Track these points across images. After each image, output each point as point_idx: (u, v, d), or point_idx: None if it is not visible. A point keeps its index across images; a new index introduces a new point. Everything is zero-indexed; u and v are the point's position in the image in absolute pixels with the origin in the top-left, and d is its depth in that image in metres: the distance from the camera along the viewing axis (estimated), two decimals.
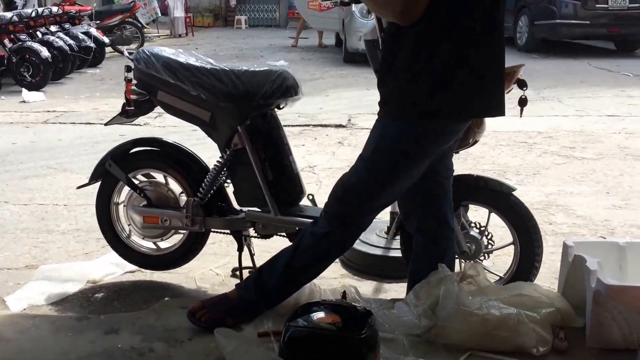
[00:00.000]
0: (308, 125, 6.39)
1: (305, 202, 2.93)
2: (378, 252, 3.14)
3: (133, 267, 3.10)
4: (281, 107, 2.80)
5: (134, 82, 2.80)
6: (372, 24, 2.51)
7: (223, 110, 2.67)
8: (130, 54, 2.82)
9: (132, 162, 2.94)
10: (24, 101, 7.70)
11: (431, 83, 2.02)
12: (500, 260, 2.98)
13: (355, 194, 2.26)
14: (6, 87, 8.50)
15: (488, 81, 2.09)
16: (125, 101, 2.82)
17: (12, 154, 5.33)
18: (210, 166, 2.84)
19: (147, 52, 2.72)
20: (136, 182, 2.94)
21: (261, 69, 2.71)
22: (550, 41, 11.84)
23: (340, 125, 6.36)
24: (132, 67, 2.78)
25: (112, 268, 3.11)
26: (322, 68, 10.66)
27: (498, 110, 2.15)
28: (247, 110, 2.65)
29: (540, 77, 8.90)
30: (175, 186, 2.94)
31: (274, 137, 2.79)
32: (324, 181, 4.53)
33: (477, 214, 2.81)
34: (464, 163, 4.84)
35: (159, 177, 2.99)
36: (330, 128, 6.30)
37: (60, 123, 6.59)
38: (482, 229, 2.73)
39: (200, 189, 2.79)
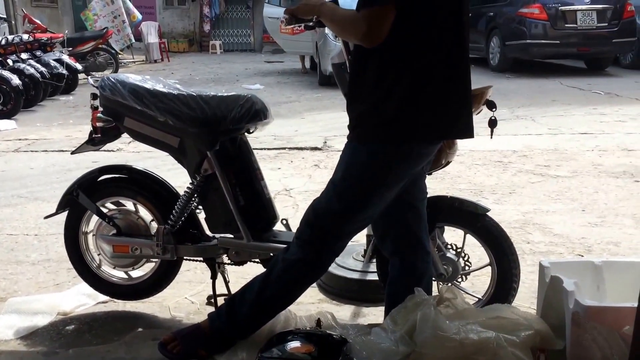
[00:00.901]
0: (284, 148, 6.36)
1: (279, 227, 2.88)
2: (355, 275, 3.10)
3: (105, 298, 3.02)
4: (251, 131, 2.77)
5: (100, 109, 2.74)
6: (339, 47, 2.48)
7: (191, 135, 2.62)
8: (95, 81, 2.76)
9: (100, 190, 2.87)
10: None
11: (397, 106, 2.00)
12: (479, 281, 2.95)
13: (327, 219, 2.22)
14: None
15: (455, 103, 2.07)
16: (91, 129, 2.77)
17: None
18: (181, 192, 2.78)
19: (113, 79, 2.67)
20: (105, 210, 2.87)
21: (229, 93, 2.67)
22: (523, 61, 12.04)
23: (316, 148, 6.34)
24: (98, 94, 2.72)
25: (84, 299, 3.04)
26: (298, 91, 10.68)
27: (466, 132, 2.14)
28: (216, 135, 2.61)
29: (514, 96, 9.01)
30: (145, 214, 2.88)
31: (245, 161, 2.75)
32: (300, 204, 4.48)
33: (453, 235, 2.77)
34: (441, 182, 4.85)
35: (129, 204, 2.92)
36: (306, 151, 6.27)
37: (32, 151, 6.49)
38: (459, 250, 2.69)
39: (171, 216, 2.73)
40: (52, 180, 5.26)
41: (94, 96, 2.75)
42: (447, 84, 2.04)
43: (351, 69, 2.21)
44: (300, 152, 6.24)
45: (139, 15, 15.19)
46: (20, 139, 7.08)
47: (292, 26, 2.41)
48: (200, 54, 19.58)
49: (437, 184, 4.71)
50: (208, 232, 2.82)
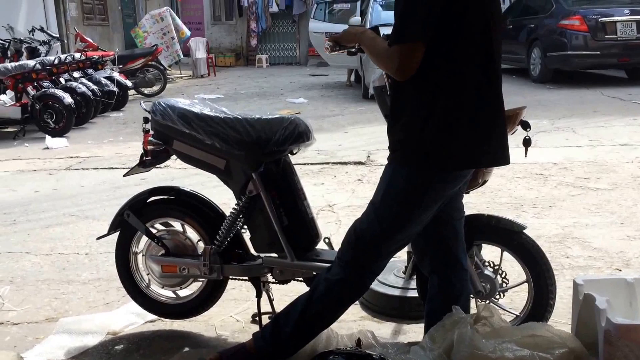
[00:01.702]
0: (327, 163, 6.40)
1: (322, 245, 2.92)
2: (396, 292, 3.13)
3: (153, 317, 3.11)
4: (294, 152, 2.82)
5: (151, 132, 2.84)
6: (380, 70, 2.53)
7: (237, 157, 2.70)
8: (147, 105, 2.87)
9: (150, 211, 2.97)
10: (47, 148, 7.81)
11: (433, 134, 2.07)
12: (519, 297, 2.95)
13: (367, 240, 2.27)
14: (30, 133, 8.65)
15: (489, 130, 2.12)
16: (143, 152, 2.87)
17: (34, 203, 5.40)
18: (227, 212, 2.85)
19: (163, 104, 2.77)
20: (154, 231, 2.96)
21: (274, 116, 2.73)
22: (563, 71, 11.98)
23: (360, 162, 6.36)
24: (149, 118, 2.82)
25: (133, 318, 3.13)
26: (342, 104, 10.72)
27: (501, 159, 2.19)
28: (261, 157, 2.68)
29: (555, 108, 8.93)
30: (192, 234, 2.96)
31: (288, 182, 2.80)
32: (343, 220, 4.52)
33: (491, 252, 2.79)
34: (481, 197, 4.84)
35: (177, 225, 3.01)
36: (349, 165, 6.30)
37: (83, 169, 6.66)
38: (496, 267, 2.72)
39: (217, 236, 2.81)
40: (103, 198, 5.42)
41: (145, 120, 2.86)
42: (482, 112, 2.09)
43: (391, 93, 2.26)
44: (343, 166, 6.27)
45: (187, 32, 15.45)
46: (71, 157, 7.27)
47: (335, 52, 2.48)
48: (246, 68, 19.80)
49: (477, 198, 4.71)
50: (253, 252, 2.88)
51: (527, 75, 12.45)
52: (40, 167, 6.81)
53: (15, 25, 11.01)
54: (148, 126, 2.85)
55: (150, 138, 2.83)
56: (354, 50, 2.44)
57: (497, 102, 2.16)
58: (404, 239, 2.30)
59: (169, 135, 2.78)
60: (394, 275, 3.26)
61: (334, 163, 6.42)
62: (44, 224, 4.79)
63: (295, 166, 6.06)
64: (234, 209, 2.77)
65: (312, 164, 6.34)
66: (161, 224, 3.02)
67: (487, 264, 2.73)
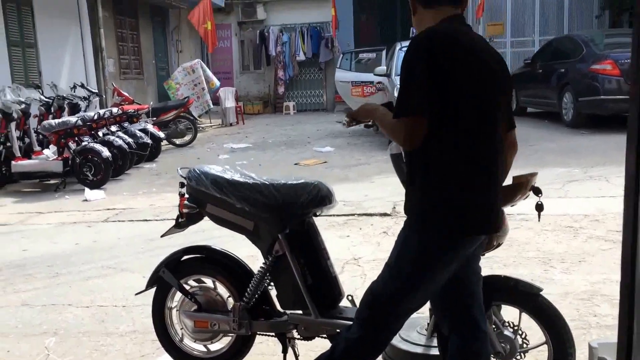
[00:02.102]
0: (353, 215, 6.51)
1: (345, 303, 3.10)
2: (419, 350, 3.18)
3: None
4: (317, 214, 3.04)
5: (186, 196, 3.09)
6: None
7: (264, 220, 2.93)
8: (183, 171, 3.13)
9: (184, 269, 3.20)
10: (86, 200, 8.14)
11: (448, 199, 2.23)
12: (543, 356, 2.97)
13: (383, 300, 2.42)
14: (70, 186, 9.00)
15: (493, 199, 2.31)
16: (178, 214, 3.12)
17: (75, 255, 5.68)
18: (255, 270, 3.07)
19: (198, 171, 3.03)
20: (187, 287, 3.19)
21: (298, 181, 2.96)
22: (597, 116, 11.81)
23: (385, 214, 6.44)
24: (185, 183, 3.08)
25: None
26: (368, 153, 10.83)
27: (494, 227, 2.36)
28: (286, 219, 2.90)
29: (588, 155, 8.81)
30: (223, 290, 3.17)
31: (312, 243, 3.01)
32: (368, 274, 4.62)
33: (512, 312, 2.87)
34: (508, 250, 4.87)
35: (209, 282, 3.23)
36: (375, 217, 6.39)
37: (119, 221, 6.94)
38: (516, 328, 2.82)
39: (246, 293, 3.01)
40: (138, 250, 5.67)
41: (181, 185, 3.11)
42: (491, 177, 2.28)
43: (406, 158, 2.44)
44: (369, 218, 6.37)
45: (217, 83, 15.93)
46: (108, 209, 7.56)
47: (352, 127, 2.71)
48: (274, 115, 20.16)
49: (504, 252, 4.74)
50: (279, 308, 3.08)
51: (559, 120, 12.35)
52: (79, 220, 7.12)
53: (59, 82, 11.53)
54: (184, 190, 3.10)
55: (185, 202, 3.08)
56: (369, 124, 2.68)
57: (501, 173, 2.35)
58: (419, 299, 2.44)
59: (202, 199, 3.03)
60: (417, 332, 3.32)
61: (359, 214, 6.52)
62: (84, 276, 5.04)
63: (321, 217, 6.23)
64: (261, 267, 2.99)
65: (337, 215, 6.46)
66: (194, 280, 3.24)
67: (506, 324, 2.82)
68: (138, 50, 16.54)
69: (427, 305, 2.84)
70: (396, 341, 3.24)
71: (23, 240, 6.35)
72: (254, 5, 20.35)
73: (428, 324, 3.30)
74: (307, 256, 2.95)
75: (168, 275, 3.15)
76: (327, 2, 19.46)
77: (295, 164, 10.14)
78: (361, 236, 5.76)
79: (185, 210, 3.08)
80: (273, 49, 20.15)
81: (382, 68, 12.16)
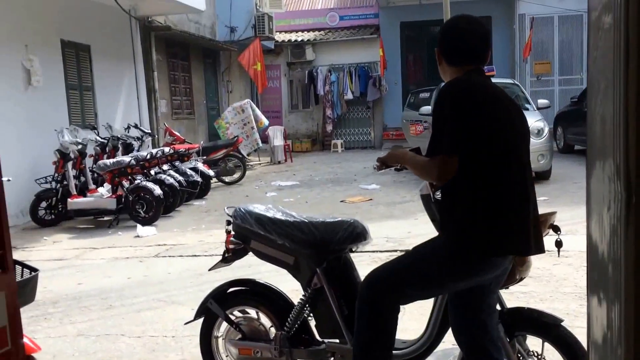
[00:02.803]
0: (395, 251, 6.61)
1: None
2: None
3: None
4: (354, 250, 3.23)
5: (232, 233, 3.33)
6: (425, 183, 2.95)
7: (304, 255, 3.14)
8: (230, 210, 3.37)
9: (230, 300, 3.42)
10: (138, 236, 8.48)
11: (478, 224, 2.49)
12: None
13: (383, 286, 2.71)
14: (123, 222, 9.39)
15: (523, 222, 2.54)
16: (225, 249, 3.36)
17: (127, 288, 5.97)
18: (296, 302, 3.27)
19: (243, 210, 3.28)
20: (233, 317, 3.40)
21: (335, 219, 3.17)
22: None
23: None
24: (231, 221, 3.32)
25: None
26: (413, 190, 10.85)
27: (537, 249, 2.59)
28: (324, 254, 3.11)
29: None
30: (265, 320, 3.37)
31: (348, 276, 3.21)
32: (407, 308, 4.67)
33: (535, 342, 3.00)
34: (546, 285, 4.97)
35: (252, 312, 3.43)
36: None
37: (169, 256, 7.23)
38: (539, 357, 2.95)
39: (287, 323, 3.21)
40: (187, 284, 5.92)
41: (228, 223, 3.35)
42: (516, 206, 2.52)
43: (441, 191, 2.67)
44: None
45: (265, 122, 16.34)
46: (159, 245, 7.87)
47: (382, 170, 2.92)
48: (322, 152, 20.43)
49: (542, 287, 4.85)
50: (318, 337, 3.26)
51: None
52: (132, 255, 7.44)
53: (113, 123, 12.07)
54: (230, 228, 3.35)
55: (231, 238, 3.32)
56: (398, 167, 2.90)
57: (530, 199, 2.57)
58: (415, 296, 2.76)
59: (247, 236, 3.27)
60: None
61: (402, 251, 6.65)
62: (136, 308, 5.31)
63: (364, 253, 6.38)
64: (301, 299, 3.19)
65: (380, 251, 6.63)
66: (239, 311, 3.46)
67: (531, 353, 2.96)
68: (190, 91, 17.14)
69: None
70: None
71: (78, 274, 6.69)
72: (303, 46, 20.88)
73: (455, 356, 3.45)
74: (343, 289, 3.14)
75: (215, 306, 3.37)
76: (374, 43, 19.92)
77: (341, 201, 10.33)
78: None
79: (231, 246, 3.32)
80: (321, 88, 20.54)
81: (427, 108, 12.32)
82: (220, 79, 19.46)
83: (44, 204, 9.54)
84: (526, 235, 2.53)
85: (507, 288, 2.87)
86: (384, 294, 2.68)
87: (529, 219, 2.55)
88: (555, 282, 5.14)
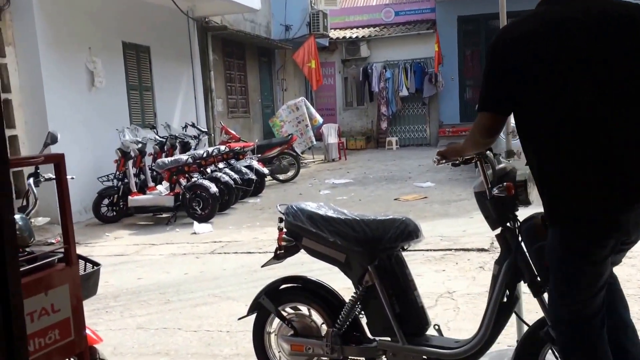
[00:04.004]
0: (450, 250, 6.58)
1: (432, 332, 3.26)
2: None
3: None
4: (405, 248, 3.23)
5: (284, 231, 3.38)
6: (480, 178, 2.93)
7: (355, 253, 3.16)
8: (282, 208, 3.42)
9: (282, 296, 3.48)
10: (194, 233, 8.66)
11: (550, 192, 2.39)
12: None
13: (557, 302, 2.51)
14: (180, 219, 9.59)
15: (597, 180, 2.29)
16: (277, 246, 3.41)
17: (184, 284, 6.10)
18: (347, 299, 3.29)
19: (295, 208, 3.32)
20: (285, 314, 3.45)
21: (386, 217, 3.18)
22: None
23: (482, 249, 6.44)
24: (284, 219, 3.37)
25: None
26: (469, 188, 10.56)
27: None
28: (375, 252, 3.13)
29: None
30: (317, 317, 3.41)
31: (400, 274, 3.21)
32: (462, 307, 4.71)
33: None
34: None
35: (304, 309, 3.48)
36: (472, 252, 6.42)
37: (224, 253, 7.35)
38: None
39: (338, 320, 3.24)
40: (241, 280, 6.01)
41: (280, 220, 3.40)
42: (602, 162, 2.27)
43: (533, 173, 2.54)
44: (466, 253, 6.40)
45: (319, 120, 16.41)
46: (215, 241, 8.00)
47: (441, 164, 2.93)
48: (376, 150, 20.32)
49: None
50: (369, 335, 3.28)
51: None
52: (188, 251, 7.60)
53: (171, 122, 12.35)
54: (282, 225, 3.39)
55: (283, 235, 3.37)
56: (457, 162, 2.90)
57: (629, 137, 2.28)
58: (580, 300, 2.42)
59: (299, 234, 3.31)
60: None
61: (456, 249, 6.57)
62: (192, 303, 5.43)
63: (418, 252, 6.34)
64: (352, 296, 3.21)
65: (434, 250, 6.57)
66: (291, 307, 3.50)
67: None
68: (245, 90, 17.36)
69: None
70: None
71: (138, 269, 6.88)
72: (358, 43, 20.86)
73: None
74: (395, 287, 3.15)
75: (267, 303, 3.43)
76: (430, 38, 19.72)
77: (395, 199, 10.29)
78: (457, 270, 5.83)
79: (283, 244, 3.37)
80: (376, 85, 20.45)
81: None
82: (275, 77, 19.62)
83: (106, 201, 9.84)
84: (624, 179, 2.26)
85: None
86: (569, 324, 2.46)
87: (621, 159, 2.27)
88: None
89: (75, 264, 2.52)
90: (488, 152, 3.03)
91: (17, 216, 3.09)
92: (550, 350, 2.90)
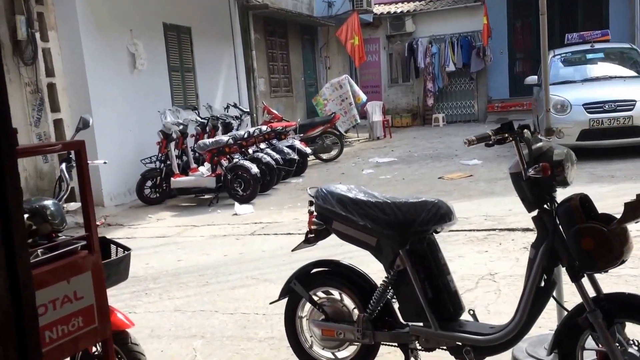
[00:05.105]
0: (494, 230, 6.41)
1: (467, 317, 3.15)
2: None
3: None
4: (438, 231, 3.11)
5: (315, 214, 3.30)
6: (516, 158, 2.80)
7: (386, 236, 3.06)
8: (312, 191, 3.35)
9: (313, 281, 3.41)
10: (235, 214, 8.66)
11: None
12: None
13: None
14: (222, 200, 9.61)
15: None
16: (308, 230, 3.34)
17: (223, 266, 6.11)
18: (379, 284, 3.20)
19: (324, 190, 3.24)
20: (316, 298, 3.38)
21: (418, 199, 3.07)
22: None
23: (528, 229, 6.19)
24: (313, 202, 3.29)
25: None
26: None
27: None
28: (407, 236, 3.02)
29: None
30: (349, 302, 3.34)
31: (433, 258, 3.10)
32: (503, 290, 4.58)
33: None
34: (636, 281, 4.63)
35: (336, 293, 3.40)
36: (517, 232, 6.23)
37: (264, 234, 7.33)
38: None
39: (370, 305, 3.16)
40: (280, 262, 5.98)
41: (310, 203, 3.33)
42: None
43: None
44: (510, 233, 6.22)
45: (363, 98, 16.23)
46: (255, 223, 7.99)
47: (472, 145, 2.80)
48: (422, 127, 20.00)
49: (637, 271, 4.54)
50: (402, 320, 3.19)
51: None
52: (229, 233, 7.61)
53: (213, 103, 12.39)
54: (312, 208, 3.32)
55: (314, 219, 3.29)
56: (490, 142, 2.82)
57: None
58: None
59: (329, 217, 3.23)
60: (544, 348, 3.32)
61: (500, 229, 6.39)
62: (230, 286, 5.43)
63: (460, 232, 6.20)
64: (383, 281, 3.12)
65: (478, 230, 6.42)
66: (322, 292, 3.44)
67: (631, 342, 2.76)
68: (288, 69, 17.28)
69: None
70: (522, 356, 3.25)
71: (179, 251, 6.92)
72: (402, 18, 20.50)
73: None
74: (427, 271, 3.05)
75: (299, 287, 3.37)
76: (478, 11, 19.16)
77: (440, 177, 10.11)
78: (500, 251, 5.68)
79: (313, 227, 3.30)
80: (422, 61, 20.06)
81: (533, 78, 11.71)
82: (318, 55, 19.48)
83: (149, 183, 9.93)
84: None
85: (607, 271, 2.68)
86: None
87: None
88: None
89: (97, 251, 2.49)
90: (525, 130, 2.90)
91: (49, 202, 3.13)
92: (590, 337, 2.77)
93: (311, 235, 3.34)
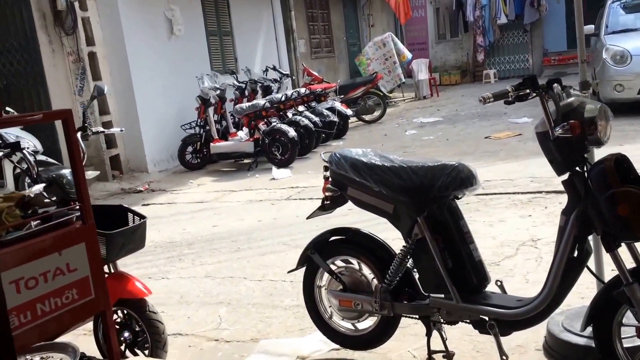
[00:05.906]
0: (540, 192, 6.10)
1: (493, 288, 2.95)
2: (581, 341, 2.94)
3: (338, 345, 3.37)
4: (459, 197, 2.90)
5: (330, 180, 3.13)
6: (542, 116, 2.56)
7: (403, 203, 2.88)
8: (326, 155, 3.18)
9: (331, 249, 3.26)
10: (273, 178, 8.54)
11: None
12: None
13: None
14: (261, 165, 9.50)
15: None
16: (323, 197, 3.17)
17: (256, 231, 6.02)
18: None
19: (338, 155, 3.07)
20: (334, 267, 3.23)
21: (436, 163, 2.85)
22: None
23: None
24: (328, 167, 3.12)
25: (320, 345, 3.45)
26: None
27: None
28: (425, 202, 2.82)
29: None
30: (367, 271, 3.18)
31: (454, 226, 2.89)
32: (544, 257, 4.33)
33: None
34: None
35: (354, 262, 3.25)
36: (564, 195, 5.94)
37: (300, 199, 7.19)
38: None
39: (387, 275, 2.98)
40: (313, 228, 5.77)
41: (325, 168, 3.15)
42: None
43: None
44: (557, 196, 5.88)
45: (408, 55, 15.79)
46: (292, 187, 7.85)
47: (488, 103, 2.59)
48: (472, 84, 19.29)
49: None
50: (422, 292, 3.00)
51: None
52: (265, 197, 7.51)
53: (253, 66, 12.23)
54: (327, 174, 3.14)
55: (328, 185, 3.12)
56: (510, 99, 2.60)
57: None
58: None
59: (344, 183, 3.05)
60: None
61: (547, 192, 6.08)
62: (261, 252, 5.34)
63: (503, 196, 5.92)
64: (401, 250, 2.94)
65: (522, 193, 6.15)
66: (342, 260, 3.28)
67: None
68: (329, 29, 16.93)
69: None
70: (557, 330, 3.04)
71: (215, 216, 6.88)
72: None
73: None
74: (447, 240, 2.85)
75: (316, 256, 3.23)
76: None
77: (486, 137, 9.75)
78: (545, 215, 5.38)
79: (327, 193, 3.13)
80: (471, 14, 19.14)
81: (590, 27, 11.04)
82: (361, 13, 19.00)
83: (190, 149, 9.92)
84: None
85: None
86: None
87: None
88: None
89: (91, 223, 2.39)
90: (555, 84, 2.65)
91: (65, 171, 3.11)
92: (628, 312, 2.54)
93: (327, 202, 3.18)
